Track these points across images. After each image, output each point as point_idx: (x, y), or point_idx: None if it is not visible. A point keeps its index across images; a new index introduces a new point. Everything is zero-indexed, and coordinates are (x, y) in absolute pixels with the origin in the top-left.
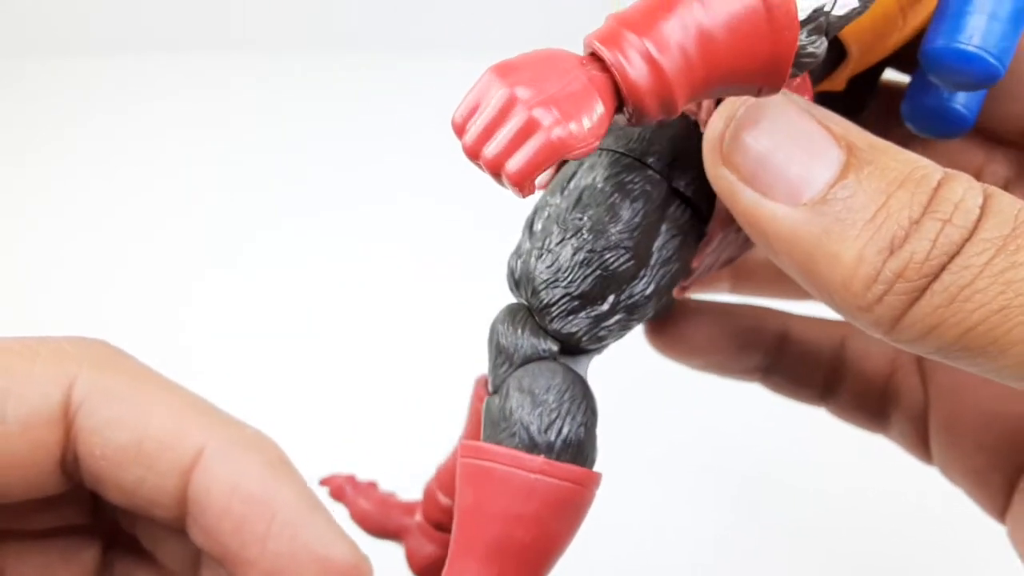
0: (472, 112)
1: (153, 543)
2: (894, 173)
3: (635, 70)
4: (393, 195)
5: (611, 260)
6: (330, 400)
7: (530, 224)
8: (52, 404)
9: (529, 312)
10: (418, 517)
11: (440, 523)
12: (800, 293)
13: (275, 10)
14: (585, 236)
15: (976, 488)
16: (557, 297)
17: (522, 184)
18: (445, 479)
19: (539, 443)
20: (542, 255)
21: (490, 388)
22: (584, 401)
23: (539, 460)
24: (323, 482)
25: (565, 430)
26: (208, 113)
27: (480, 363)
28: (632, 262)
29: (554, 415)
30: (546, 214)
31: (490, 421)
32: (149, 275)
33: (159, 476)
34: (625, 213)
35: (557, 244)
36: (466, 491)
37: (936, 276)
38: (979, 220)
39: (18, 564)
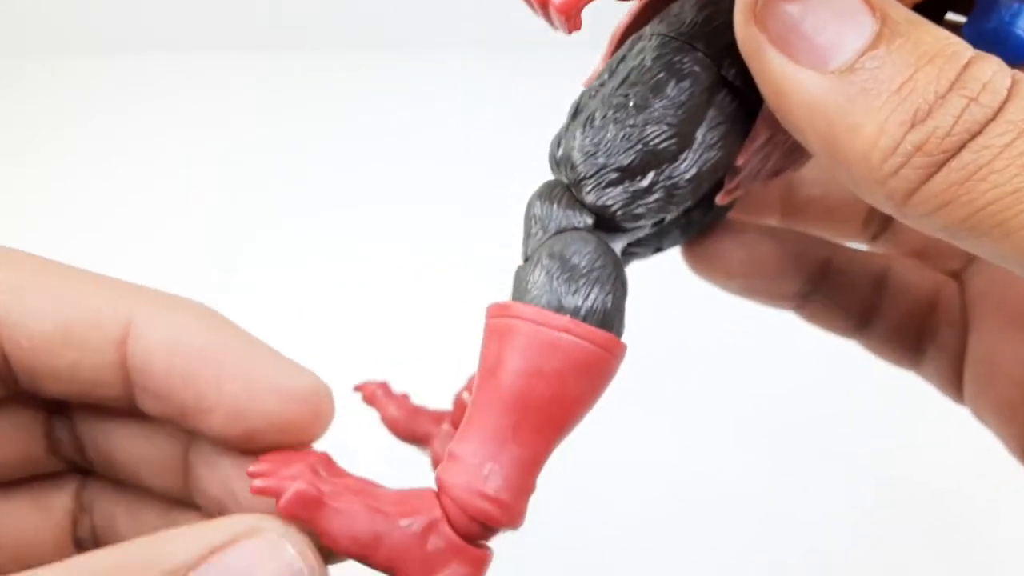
0: None
1: (133, 466)
2: (925, 47)
3: None
4: (393, 194)
5: (653, 135)
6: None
7: (575, 107)
8: None
9: (567, 188)
10: (446, 425)
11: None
12: (848, 233)
13: (275, 10)
14: (629, 111)
15: (1006, 425)
16: (596, 168)
17: (570, 14)
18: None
19: (565, 305)
20: (584, 131)
21: (522, 257)
22: (614, 272)
23: (564, 319)
24: (357, 387)
25: (592, 296)
26: (208, 113)
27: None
28: (674, 140)
29: (582, 280)
30: (591, 94)
31: (519, 286)
32: (150, 275)
33: (94, 353)
34: (671, 91)
35: (600, 120)
36: (490, 347)
37: (955, 153)
38: (1005, 102)
39: None
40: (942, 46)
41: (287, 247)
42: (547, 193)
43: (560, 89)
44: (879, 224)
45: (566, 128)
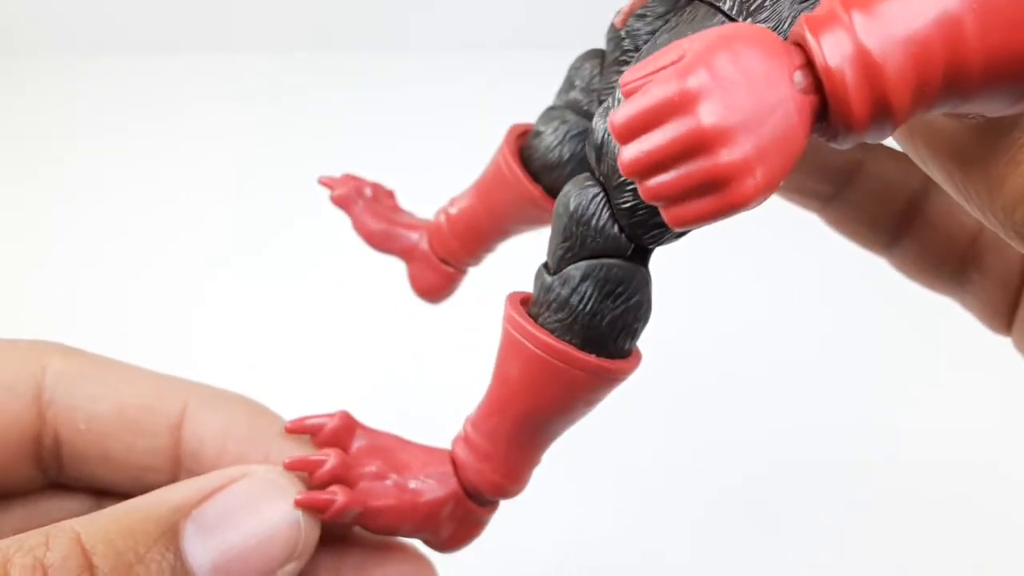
0: (644, 121)
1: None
2: None
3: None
4: (403, 195)
5: None
6: (336, 398)
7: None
8: (24, 386)
9: (605, 196)
10: (424, 244)
11: (445, 259)
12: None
13: (276, 11)
14: None
15: None
16: (642, 207)
17: (680, 227)
18: (459, 224)
19: (594, 342)
20: None
21: (550, 265)
22: (645, 307)
23: (592, 361)
24: (323, 181)
25: (622, 335)
26: (208, 114)
27: (483, 363)
28: None
29: (620, 322)
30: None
31: (545, 300)
32: (149, 275)
33: (148, 437)
34: None
35: None
36: (512, 364)
37: None
38: None
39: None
40: None
41: (292, 246)
42: (586, 202)
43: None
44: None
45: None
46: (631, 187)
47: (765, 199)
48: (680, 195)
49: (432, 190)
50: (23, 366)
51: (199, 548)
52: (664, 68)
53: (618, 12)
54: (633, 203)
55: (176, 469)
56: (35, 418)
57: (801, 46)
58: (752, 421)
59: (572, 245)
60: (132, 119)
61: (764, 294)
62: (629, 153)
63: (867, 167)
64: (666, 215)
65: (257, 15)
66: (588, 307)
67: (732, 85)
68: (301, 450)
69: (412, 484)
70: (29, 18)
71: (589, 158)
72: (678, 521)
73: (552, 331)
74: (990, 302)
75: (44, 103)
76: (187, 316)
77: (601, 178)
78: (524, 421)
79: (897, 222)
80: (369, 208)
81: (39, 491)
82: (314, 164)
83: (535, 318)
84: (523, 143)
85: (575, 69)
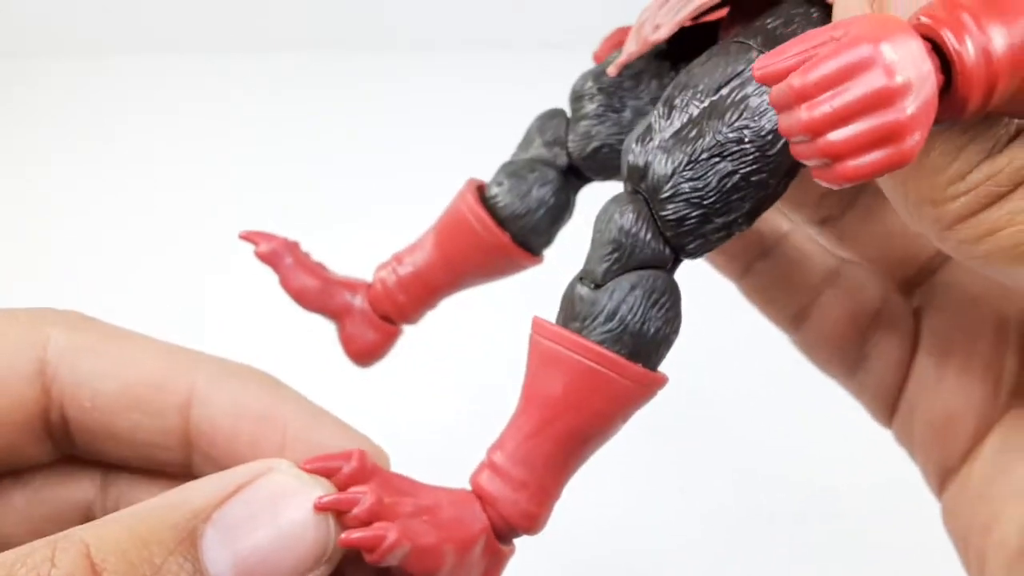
0: (832, 80)
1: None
2: None
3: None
4: (396, 195)
5: (772, 187)
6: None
7: (668, 106)
8: (26, 361)
9: (649, 210)
10: (361, 302)
11: (387, 315)
12: (802, 203)
13: (277, 11)
14: (746, 156)
15: (933, 454)
16: (692, 216)
17: (844, 183)
18: (409, 279)
19: (641, 353)
20: (687, 165)
21: (590, 279)
22: (679, 319)
23: (640, 371)
24: (245, 236)
25: (663, 346)
26: (209, 114)
27: (490, 366)
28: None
29: (662, 332)
30: (691, 110)
31: (590, 313)
32: (149, 275)
33: (156, 417)
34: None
35: (705, 156)
36: (555, 381)
37: (1020, 185)
38: None
39: (9, 492)
40: None
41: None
42: (633, 214)
43: (563, 90)
44: (836, 205)
45: (651, 134)
46: (679, 198)
47: (915, 152)
48: (861, 147)
49: (433, 190)
50: (23, 341)
51: (221, 554)
52: (825, 43)
53: (606, 61)
54: (683, 213)
55: (187, 449)
56: (40, 395)
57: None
58: (751, 439)
59: (620, 257)
60: (132, 119)
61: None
62: (815, 112)
63: (788, 241)
64: (835, 172)
65: (257, 15)
66: (638, 316)
67: (901, 55)
68: (319, 438)
69: (447, 523)
70: (29, 18)
71: (628, 178)
72: (680, 532)
73: (600, 343)
74: (879, 391)
75: (42, 103)
76: (188, 315)
77: (644, 194)
78: (566, 441)
79: (808, 297)
80: (300, 264)
81: (51, 464)
82: (314, 164)
83: (578, 332)
84: (483, 195)
85: (538, 128)
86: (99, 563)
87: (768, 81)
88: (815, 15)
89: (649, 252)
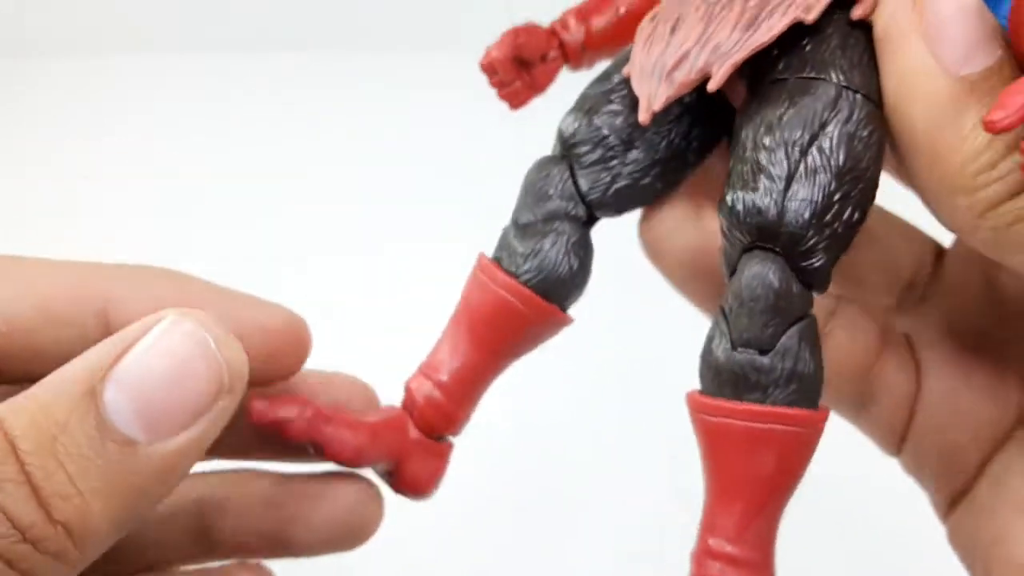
0: None
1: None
2: None
3: None
4: (397, 195)
5: (869, 194)
6: None
7: (763, 149)
8: None
9: (789, 265)
10: (415, 433)
11: (435, 429)
12: None
13: (278, 12)
14: (861, 190)
15: (943, 482)
16: (831, 260)
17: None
18: (456, 387)
19: (816, 396)
20: (820, 212)
21: (755, 346)
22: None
23: (823, 414)
24: (260, 417)
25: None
26: (209, 114)
27: None
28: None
29: (822, 369)
30: (794, 154)
31: (768, 382)
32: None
33: (75, 327)
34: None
35: (834, 199)
36: (765, 459)
37: None
38: None
39: None
40: None
41: (287, 246)
42: (779, 275)
43: (562, 88)
44: None
45: (758, 183)
46: (820, 248)
47: None
48: None
49: (434, 190)
50: None
51: (121, 403)
52: None
53: (624, 109)
54: (824, 259)
55: None
56: None
57: None
58: None
59: (780, 319)
60: (132, 119)
61: None
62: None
63: None
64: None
65: (257, 15)
66: (812, 367)
67: None
68: (239, 316)
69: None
70: (29, 18)
71: (760, 235)
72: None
73: (789, 404)
74: (888, 423)
75: (44, 103)
76: None
77: (780, 249)
78: (782, 506)
79: None
80: (334, 422)
81: None
82: (314, 164)
83: (758, 403)
84: (505, 269)
85: (543, 179)
86: (10, 431)
87: (1005, 131)
88: (860, 35)
89: (800, 304)
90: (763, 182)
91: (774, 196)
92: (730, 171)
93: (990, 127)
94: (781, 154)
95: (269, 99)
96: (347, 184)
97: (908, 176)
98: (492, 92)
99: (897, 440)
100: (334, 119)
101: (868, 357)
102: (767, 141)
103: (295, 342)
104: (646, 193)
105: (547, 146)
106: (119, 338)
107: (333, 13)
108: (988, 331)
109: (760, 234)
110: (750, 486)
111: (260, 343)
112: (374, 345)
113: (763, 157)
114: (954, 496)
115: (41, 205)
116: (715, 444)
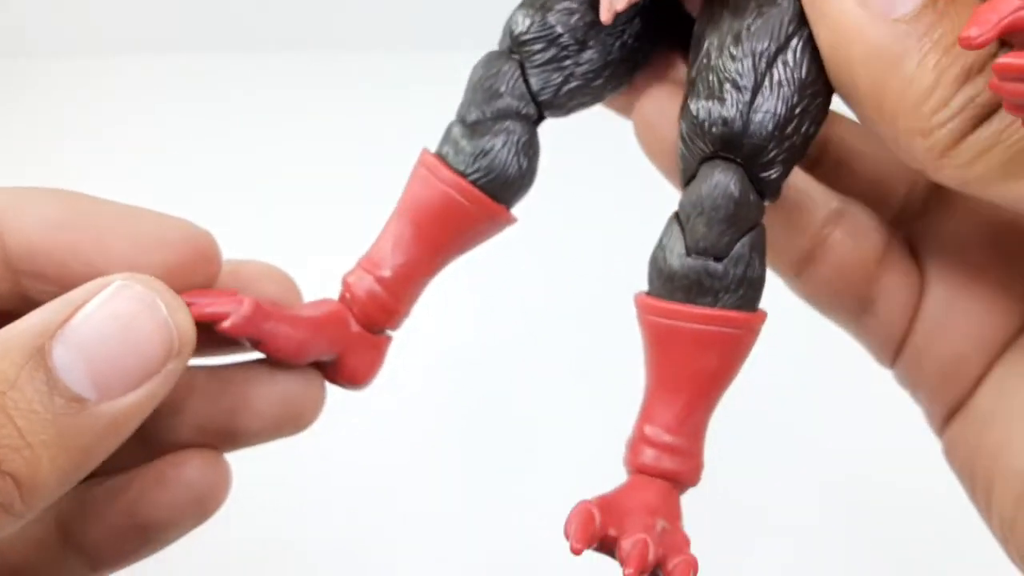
0: None
1: None
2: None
3: None
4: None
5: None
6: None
7: (732, 59)
8: None
9: (747, 174)
10: (355, 327)
11: (376, 324)
12: None
13: (279, 12)
14: (818, 105)
15: (939, 395)
16: (787, 172)
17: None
18: (397, 282)
19: (758, 301)
20: (782, 125)
21: (711, 254)
22: None
23: (761, 316)
24: (198, 312)
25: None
26: (209, 115)
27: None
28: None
29: (765, 275)
30: (761, 65)
31: (720, 287)
32: None
33: None
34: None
35: (796, 112)
36: (708, 357)
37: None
38: None
39: None
40: None
41: (288, 246)
42: (743, 186)
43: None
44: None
45: (729, 97)
46: (779, 160)
47: None
48: None
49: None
50: None
51: (72, 363)
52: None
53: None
54: (780, 172)
55: (14, 278)
56: None
57: None
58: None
59: (736, 228)
60: (132, 119)
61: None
62: None
63: (793, 183)
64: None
65: (257, 15)
66: (759, 273)
67: None
68: (138, 231)
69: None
70: (29, 18)
71: (724, 146)
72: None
73: (736, 308)
74: (886, 333)
75: (44, 103)
76: None
77: (741, 160)
78: (717, 401)
79: (812, 242)
80: (274, 318)
81: None
82: (315, 164)
83: (709, 307)
84: (452, 166)
85: (493, 76)
86: None
87: (981, 47)
88: None
89: (755, 213)
90: (730, 93)
91: (740, 107)
92: (693, 79)
93: (967, 43)
94: (748, 65)
95: (268, 99)
96: (347, 184)
97: (864, 121)
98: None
99: (894, 350)
100: (334, 119)
101: (871, 263)
102: (735, 51)
103: (201, 257)
104: (596, 94)
105: (548, 146)
106: (67, 299)
107: (333, 13)
108: (992, 240)
109: (723, 145)
110: (692, 383)
111: (161, 259)
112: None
113: (730, 67)
114: (952, 408)
115: None
116: (664, 344)
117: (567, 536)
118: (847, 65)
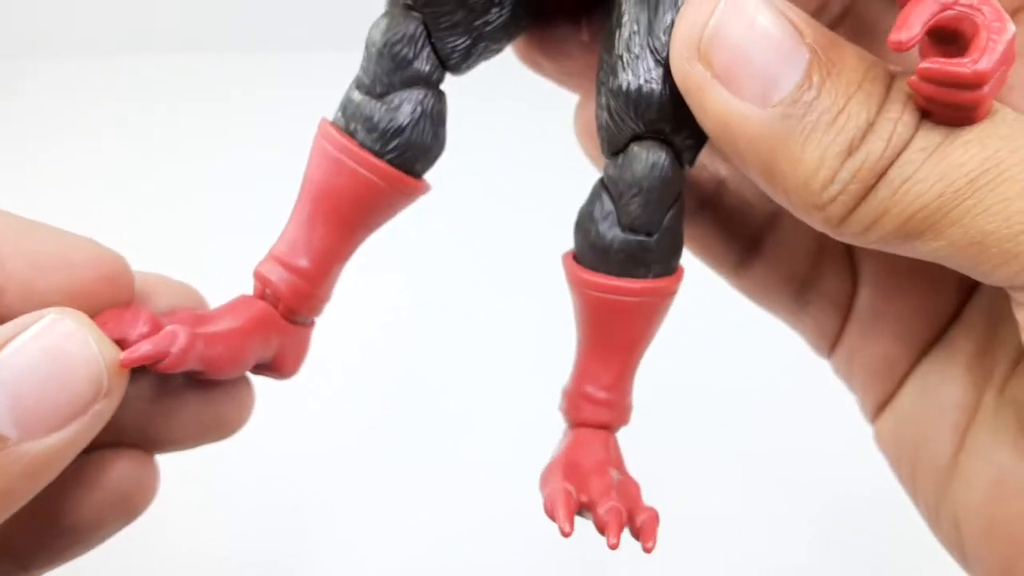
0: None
1: None
2: (852, 73)
3: None
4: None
5: None
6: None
7: (660, 46)
8: None
9: (671, 147)
10: (280, 322)
11: (300, 314)
12: None
13: (279, 12)
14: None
15: (872, 385)
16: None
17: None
18: (315, 270)
19: (678, 261)
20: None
21: (644, 230)
22: None
23: (681, 271)
24: (127, 363)
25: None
26: (209, 114)
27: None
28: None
29: (683, 239)
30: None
31: (651, 259)
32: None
33: None
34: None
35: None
36: (635, 324)
37: (884, 173)
38: (923, 116)
39: None
40: (867, 68)
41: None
42: (669, 162)
43: (557, 88)
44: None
45: (640, 69)
46: (692, 125)
47: None
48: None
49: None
50: None
51: None
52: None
53: None
54: (699, 138)
55: None
56: None
57: None
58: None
59: (667, 203)
60: (132, 119)
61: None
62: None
63: (728, 184)
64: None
65: (257, 15)
66: (681, 240)
67: None
68: (37, 248)
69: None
70: (29, 18)
71: (653, 122)
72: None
73: (659, 276)
74: (824, 325)
75: (44, 103)
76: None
77: (668, 134)
78: (643, 355)
79: (752, 238)
80: (207, 337)
81: None
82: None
83: (643, 278)
84: (357, 139)
85: (398, 42)
86: None
87: (910, 48)
88: None
89: (680, 183)
90: (660, 69)
91: (670, 83)
92: (618, 51)
93: (899, 47)
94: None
95: (268, 99)
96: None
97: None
98: (490, 92)
99: (829, 345)
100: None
101: (806, 264)
102: (668, 19)
103: (106, 281)
104: (496, 52)
105: (547, 146)
106: None
107: (333, 13)
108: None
109: (654, 120)
110: (627, 345)
111: (60, 281)
112: (373, 340)
113: (660, 43)
114: (881, 401)
115: (41, 205)
116: (601, 315)
117: (553, 519)
118: (735, 152)
